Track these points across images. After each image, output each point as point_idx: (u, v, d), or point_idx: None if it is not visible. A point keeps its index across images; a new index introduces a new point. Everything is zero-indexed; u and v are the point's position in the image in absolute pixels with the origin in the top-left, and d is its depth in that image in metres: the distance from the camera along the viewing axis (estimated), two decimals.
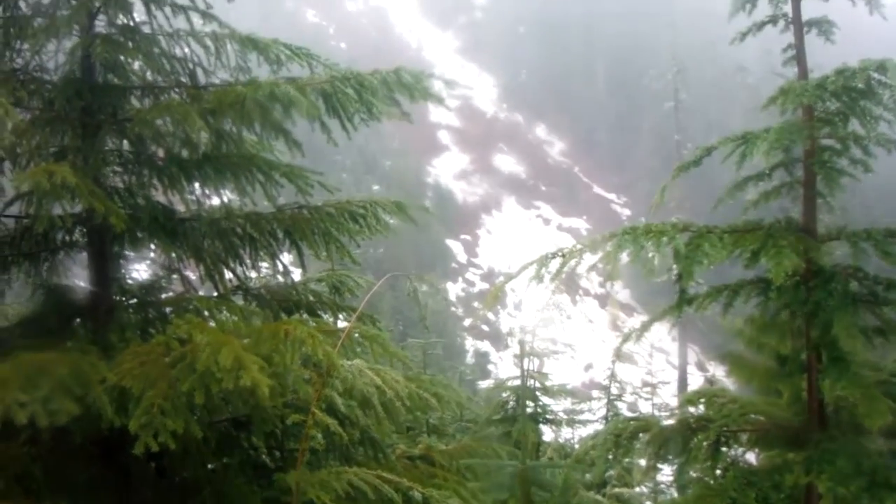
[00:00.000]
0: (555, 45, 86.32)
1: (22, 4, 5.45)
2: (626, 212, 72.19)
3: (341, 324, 5.87)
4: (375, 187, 58.66)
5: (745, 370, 5.47)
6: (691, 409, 5.09)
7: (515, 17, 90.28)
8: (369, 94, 4.93)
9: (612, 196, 74.91)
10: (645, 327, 4.56)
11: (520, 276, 4.18)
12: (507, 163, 77.32)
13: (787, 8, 4.67)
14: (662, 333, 43.00)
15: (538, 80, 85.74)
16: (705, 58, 75.19)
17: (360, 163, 62.34)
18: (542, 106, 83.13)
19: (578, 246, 4.17)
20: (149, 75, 5.45)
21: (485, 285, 59.78)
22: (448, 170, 73.90)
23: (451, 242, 63.80)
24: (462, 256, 64.05)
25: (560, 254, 4.15)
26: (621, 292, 60.33)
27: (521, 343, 11.60)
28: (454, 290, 58.74)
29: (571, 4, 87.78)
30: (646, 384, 16.90)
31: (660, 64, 58.22)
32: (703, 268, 3.97)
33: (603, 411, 14.63)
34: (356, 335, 5.04)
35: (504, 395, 11.67)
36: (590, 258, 4.10)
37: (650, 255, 3.97)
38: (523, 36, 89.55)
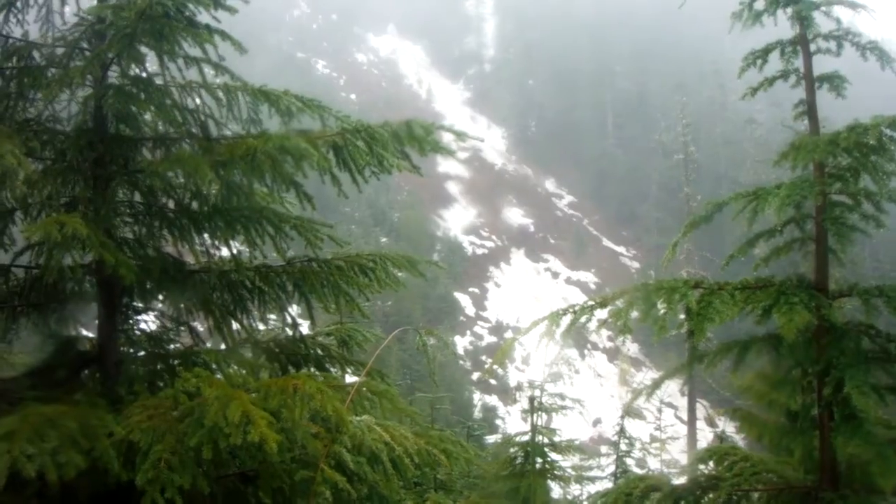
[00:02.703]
0: (564, 98, 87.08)
1: (36, 55, 5.55)
2: (635, 265, 72.10)
3: (350, 378, 5.87)
4: (384, 239, 58.84)
5: (755, 427, 5.44)
6: (702, 468, 5.05)
7: (525, 69, 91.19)
8: (380, 147, 4.98)
9: (621, 249, 74.92)
10: (656, 385, 4.55)
11: (530, 334, 4.19)
12: (515, 215, 77.50)
13: (799, 63, 4.72)
14: (672, 388, 42.64)
15: (547, 132, 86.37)
16: (715, 110, 75.84)
17: (369, 215, 62.60)
18: (551, 158, 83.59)
19: (589, 302, 4.18)
20: (160, 126, 5.52)
21: (493, 339, 59.54)
22: (457, 222, 74.07)
23: (459, 295, 63.70)
24: (470, 309, 63.89)
25: (571, 310, 4.16)
26: (631, 346, 60.03)
27: (530, 398, 11.53)
28: (462, 343, 58.49)
29: (581, 59, 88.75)
30: (655, 440, 16.78)
31: (669, 117, 58.68)
32: (714, 325, 3.97)
33: (612, 468, 14.50)
34: (365, 390, 5.04)
35: (512, 450, 11.56)
36: (600, 314, 4.11)
37: (661, 312, 3.98)
38: (533, 88, 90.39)
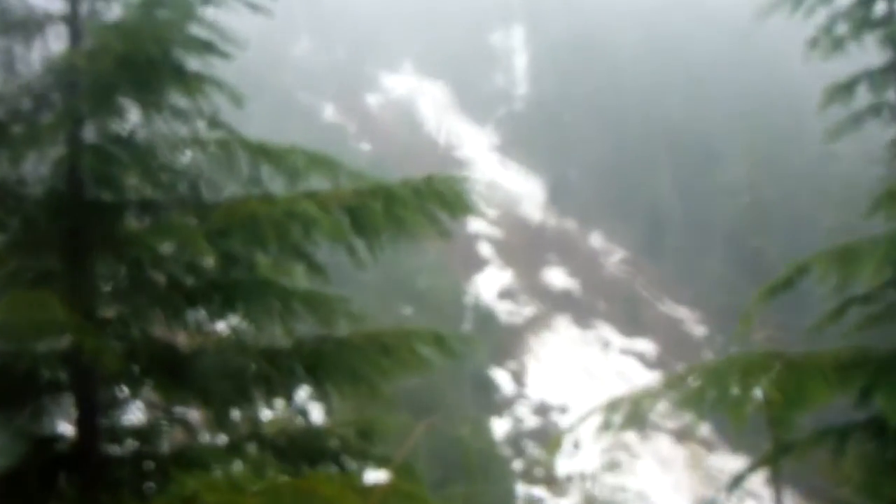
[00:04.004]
0: (609, 138, 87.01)
1: None
2: (700, 330, 71.50)
3: (371, 474, 5.81)
4: (406, 310, 58.77)
5: None
6: None
7: (562, 107, 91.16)
8: (400, 209, 5.00)
9: (681, 313, 74.36)
10: (736, 483, 4.45)
11: (584, 425, 4.13)
12: (558, 277, 77.29)
13: (891, 94, 4.67)
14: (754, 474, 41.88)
15: (591, 179, 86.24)
16: (787, 143, 75.44)
17: (388, 282, 62.61)
18: (596, 209, 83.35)
19: (651, 389, 4.11)
20: (147, 190, 5.56)
21: (536, 420, 59.05)
22: (490, 287, 73.96)
23: (495, 371, 63.37)
24: (509, 388, 63.47)
25: (630, 399, 4.09)
26: (700, 425, 59.24)
27: (585, 493, 11.38)
28: (500, 426, 57.99)
29: (628, 92, 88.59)
30: None
31: (733, 152, 58.29)
32: (803, 412, 3.88)
33: None
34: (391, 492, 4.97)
35: None
36: (666, 397, 4.03)
37: (737, 394, 3.90)
38: (572, 129, 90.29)
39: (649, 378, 66.54)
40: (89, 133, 5.48)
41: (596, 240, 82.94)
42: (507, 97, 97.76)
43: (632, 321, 72.26)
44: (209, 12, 5.36)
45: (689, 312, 74.58)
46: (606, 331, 72.25)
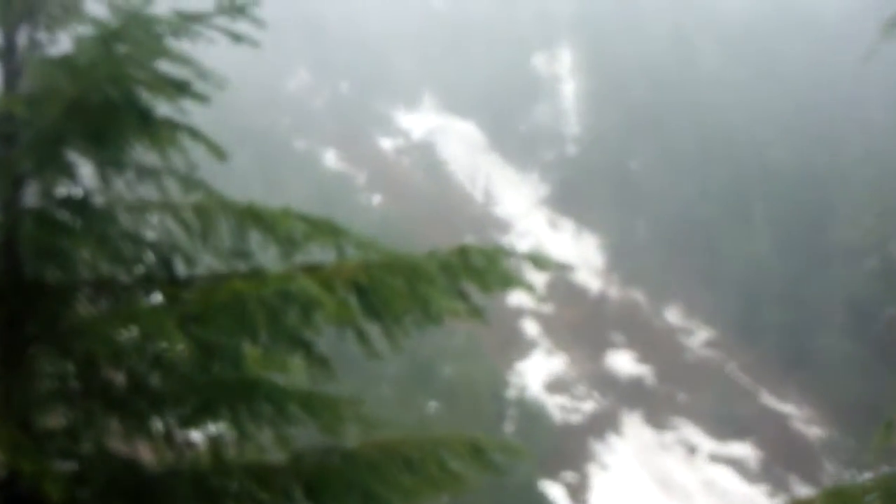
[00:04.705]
0: (686, 185, 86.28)
1: None
2: (815, 432, 70.71)
3: None
4: (431, 407, 58.59)
5: None
6: None
7: (625, 147, 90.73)
8: (424, 286, 5.03)
9: (789, 407, 73.64)
10: None
11: None
12: (625, 363, 76.98)
13: None
14: None
15: (664, 237, 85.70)
16: None
17: (409, 370, 62.44)
18: (672, 275, 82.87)
19: None
20: (104, 267, 5.61)
21: None
22: (538, 376, 73.72)
23: (547, 485, 62.91)
24: None
25: None
26: None
27: None
28: None
29: (710, 126, 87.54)
30: None
31: (853, 202, 57.59)
32: None
33: None
34: None
35: None
36: None
37: None
38: (638, 175, 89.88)
39: (750, 494, 65.90)
40: (31, 196, 5.53)
41: (673, 315, 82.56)
42: (555, 137, 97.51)
43: (724, 420, 71.58)
44: (182, 45, 5.44)
45: (800, 408, 73.82)
46: (691, 432, 71.66)
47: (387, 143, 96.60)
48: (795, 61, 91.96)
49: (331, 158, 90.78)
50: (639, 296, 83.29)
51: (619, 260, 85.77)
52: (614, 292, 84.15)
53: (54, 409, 5.60)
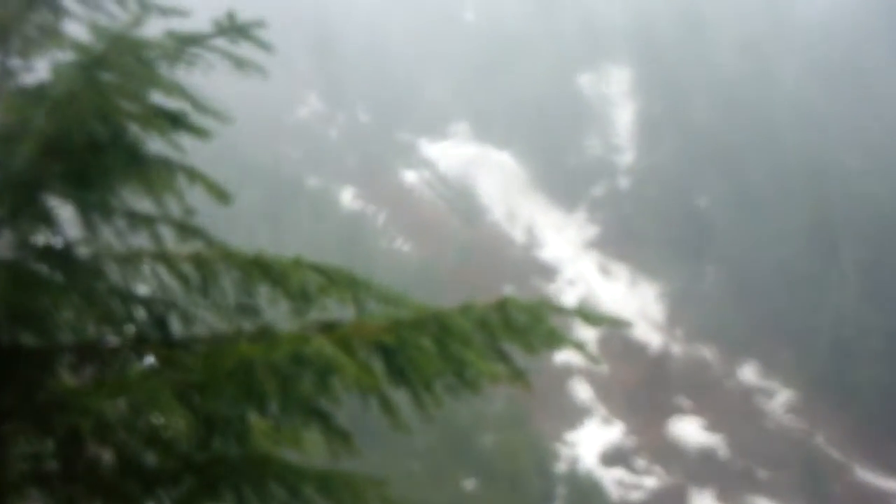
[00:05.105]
0: (762, 223, 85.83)
1: None
2: None
3: None
4: (468, 483, 58.47)
5: None
6: None
7: (688, 179, 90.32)
8: (458, 346, 5.03)
9: (890, 484, 72.97)
10: None
11: None
12: (692, 431, 76.65)
13: None
14: None
15: (735, 284, 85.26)
16: None
17: (442, 442, 62.34)
18: (745, 329, 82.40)
19: None
20: (89, 329, 5.63)
21: None
22: (592, 447, 73.50)
23: None
24: None
25: None
26: None
27: None
28: None
29: (789, 152, 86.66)
30: None
31: None
32: None
33: None
34: None
35: None
36: None
37: None
38: (704, 211, 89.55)
39: None
40: (4, 247, 5.56)
41: (748, 374, 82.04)
42: (606, 169, 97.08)
43: (813, 497, 71.02)
44: (176, 72, 5.47)
45: None
46: None
47: (412, 178, 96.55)
48: (890, 75, 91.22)
49: (347, 196, 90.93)
50: (707, 352, 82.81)
51: (684, 311, 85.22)
52: (678, 348, 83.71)
53: (31, 494, 5.61)
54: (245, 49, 5.70)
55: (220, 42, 5.65)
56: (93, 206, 5.24)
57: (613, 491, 70.06)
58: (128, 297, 5.56)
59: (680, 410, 77.98)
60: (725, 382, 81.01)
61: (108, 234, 5.50)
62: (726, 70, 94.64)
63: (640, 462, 73.36)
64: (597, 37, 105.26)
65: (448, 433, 63.55)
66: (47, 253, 5.53)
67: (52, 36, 5.78)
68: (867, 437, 75.07)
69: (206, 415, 5.24)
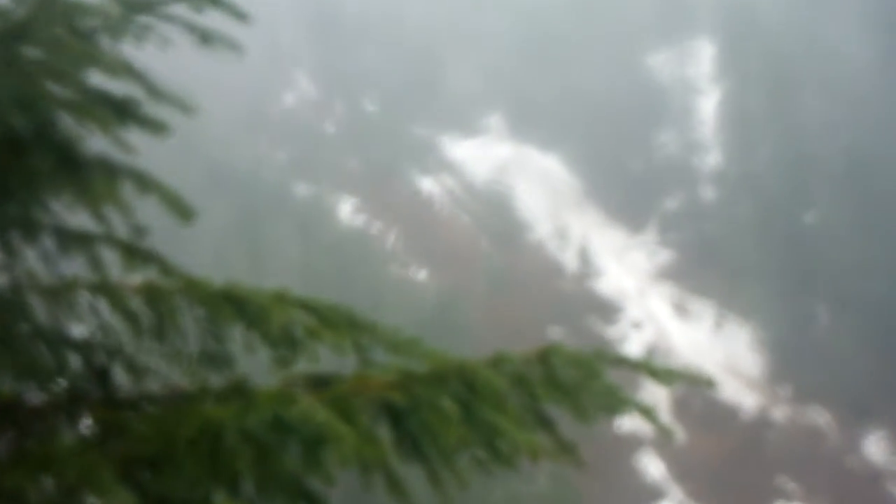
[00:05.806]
0: (887, 245, 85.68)
1: None
2: None
3: None
4: None
5: None
6: None
7: (793, 187, 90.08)
8: (488, 409, 5.02)
9: None
10: None
11: None
12: None
13: None
14: None
15: (854, 326, 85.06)
16: None
17: None
18: (870, 387, 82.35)
19: None
20: (6, 383, 5.66)
21: None
22: None
23: None
24: None
25: None
26: None
27: None
28: None
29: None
30: None
31: None
32: None
33: None
34: None
35: None
36: None
37: None
38: (814, 230, 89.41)
39: None
40: None
41: (875, 449, 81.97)
42: (684, 176, 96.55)
43: None
44: (124, 48, 5.49)
45: None
46: None
47: (430, 186, 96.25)
48: None
49: (347, 209, 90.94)
50: (821, 418, 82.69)
51: (788, 363, 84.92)
52: (781, 413, 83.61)
53: None
54: (214, 18, 5.71)
55: (180, 9, 5.66)
56: (11, 222, 5.26)
57: None
58: (58, 342, 5.58)
59: (783, 495, 78.01)
60: (845, 459, 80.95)
61: (33, 259, 5.52)
62: (847, 51, 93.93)
63: None
64: (677, 6, 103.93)
65: None
66: None
67: None
68: None
69: (158, 498, 5.26)
